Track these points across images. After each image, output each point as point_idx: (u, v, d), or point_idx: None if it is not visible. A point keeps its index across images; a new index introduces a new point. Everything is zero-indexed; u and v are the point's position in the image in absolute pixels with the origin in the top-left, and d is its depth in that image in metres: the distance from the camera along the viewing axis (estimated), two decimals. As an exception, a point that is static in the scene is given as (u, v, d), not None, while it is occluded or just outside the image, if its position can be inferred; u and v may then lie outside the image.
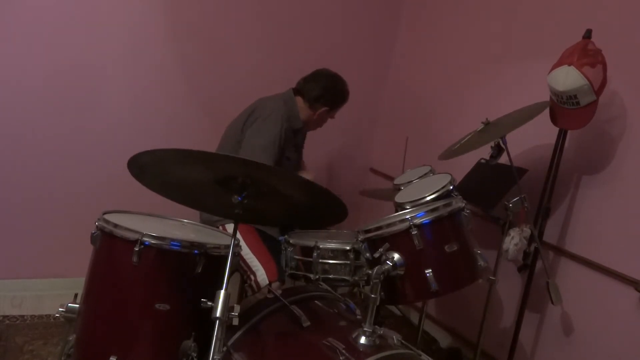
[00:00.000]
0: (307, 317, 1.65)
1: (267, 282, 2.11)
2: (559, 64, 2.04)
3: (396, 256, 1.64)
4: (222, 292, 1.37)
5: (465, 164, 2.46)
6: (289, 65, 2.56)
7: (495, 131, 2.09)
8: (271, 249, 2.21)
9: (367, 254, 1.72)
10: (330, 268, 1.95)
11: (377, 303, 1.55)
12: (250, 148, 2.27)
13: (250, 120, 2.34)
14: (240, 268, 2.20)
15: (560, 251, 2.35)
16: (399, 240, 1.65)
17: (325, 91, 2.43)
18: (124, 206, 1.80)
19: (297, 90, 2.47)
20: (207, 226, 2.00)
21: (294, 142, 2.46)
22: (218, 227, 2.26)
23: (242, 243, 2.15)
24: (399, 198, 1.92)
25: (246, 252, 2.19)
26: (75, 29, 2.56)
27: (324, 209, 1.61)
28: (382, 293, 1.58)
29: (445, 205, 1.70)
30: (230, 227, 2.26)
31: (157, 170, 1.52)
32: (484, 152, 2.16)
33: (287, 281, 2.12)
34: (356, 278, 1.93)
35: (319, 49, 2.55)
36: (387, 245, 1.64)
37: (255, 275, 2.15)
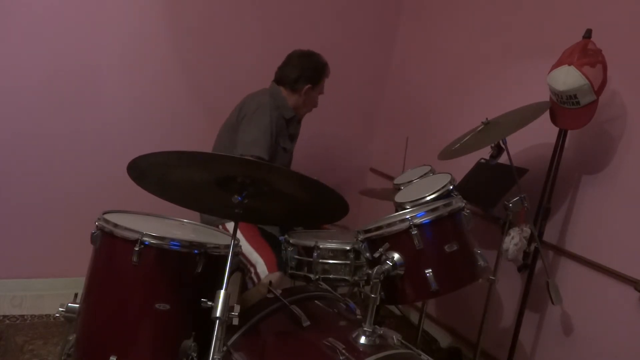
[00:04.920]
0: (307, 317, 1.65)
1: (267, 273, 2.11)
2: (558, 63, 2.04)
3: (396, 256, 1.64)
4: (222, 292, 1.38)
5: (465, 164, 2.45)
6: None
7: (495, 132, 2.09)
8: (270, 243, 2.22)
9: (367, 254, 1.71)
10: (331, 268, 1.95)
11: (377, 303, 1.55)
12: (243, 145, 2.28)
13: (239, 120, 2.36)
14: (240, 262, 2.21)
15: (560, 251, 2.35)
16: (399, 240, 1.65)
17: (302, 69, 2.44)
18: (124, 206, 1.80)
19: (277, 81, 2.49)
20: (207, 226, 2.00)
21: (287, 132, 2.47)
22: (218, 227, 2.27)
23: (241, 237, 2.15)
24: (399, 198, 1.92)
25: (245, 247, 2.19)
26: (75, 30, 2.56)
27: (324, 205, 1.61)
28: (382, 293, 1.58)
29: (445, 205, 1.70)
30: (230, 226, 2.27)
31: (156, 173, 1.52)
32: (484, 152, 2.16)
33: (287, 281, 2.12)
34: (356, 278, 1.93)
35: (319, 49, 2.56)
36: (387, 245, 1.64)
37: (255, 268, 2.15)
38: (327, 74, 2.53)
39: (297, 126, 2.58)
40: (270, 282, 2.01)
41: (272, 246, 2.20)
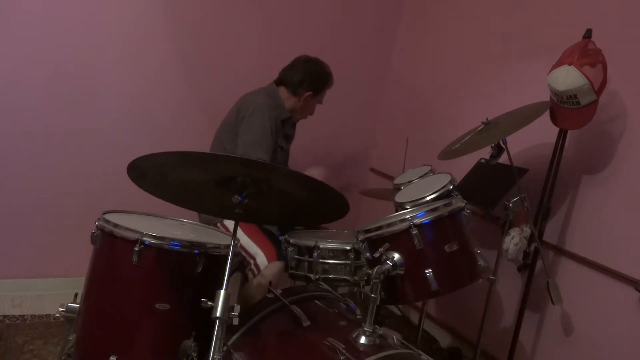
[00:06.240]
0: (307, 317, 1.65)
1: (267, 263, 2.12)
2: (559, 63, 2.05)
3: (396, 256, 1.64)
4: (222, 291, 1.38)
5: (465, 164, 2.46)
6: (288, 65, 2.59)
7: (495, 132, 2.09)
8: (269, 235, 2.23)
9: (367, 254, 1.72)
10: (331, 268, 1.95)
11: (377, 303, 1.55)
12: (244, 146, 2.28)
13: (238, 120, 2.36)
14: (240, 255, 2.21)
15: (560, 251, 2.35)
16: (399, 240, 1.65)
17: (306, 75, 2.43)
18: (124, 206, 1.80)
19: (279, 81, 2.48)
20: (207, 226, 2.00)
21: (283, 132, 2.47)
22: (217, 224, 2.27)
23: (240, 231, 2.15)
24: (399, 198, 1.92)
25: (244, 239, 2.19)
26: (74, 30, 2.56)
27: (324, 204, 1.61)
28: (382, 293, 1.58)
29: (445, 205, 1.70)
30: (228, 223, 2.27)
31: (156, 173, 1.52)
32: (484, 152, 2.16)
33: (287, 281, 2.12)
34: (356, 278, 1.93)
35: (319, 49, 2.57)
36: (387, 245, 1.64)
37: (254, 259, 2.16)
38: (329, 85, 2.52)
39: (292, 129, 2.58)
40: (271, 283, 2.01)
41: (271, 238, 2.21)
